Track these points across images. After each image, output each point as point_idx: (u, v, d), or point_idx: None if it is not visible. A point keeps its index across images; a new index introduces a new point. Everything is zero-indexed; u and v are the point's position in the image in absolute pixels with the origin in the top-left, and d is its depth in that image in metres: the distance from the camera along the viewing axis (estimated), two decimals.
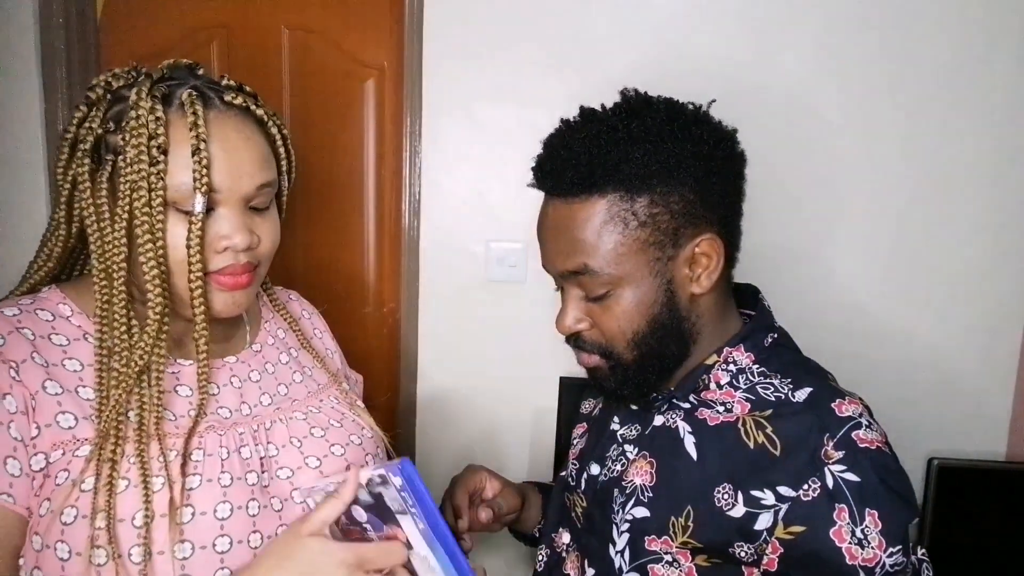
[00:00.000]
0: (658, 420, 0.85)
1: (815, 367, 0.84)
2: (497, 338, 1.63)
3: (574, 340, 0.85)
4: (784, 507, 0.73)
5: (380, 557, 0.72)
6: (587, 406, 1.06)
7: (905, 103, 1.50)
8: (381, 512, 0.73)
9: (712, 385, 0.82)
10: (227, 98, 0.76)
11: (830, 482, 0.71)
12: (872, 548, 0.70)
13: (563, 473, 1.01)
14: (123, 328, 0.73)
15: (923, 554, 0.80)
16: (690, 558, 0.79)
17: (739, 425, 0.78)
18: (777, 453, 0.75)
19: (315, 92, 1.65)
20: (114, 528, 0.67)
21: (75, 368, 0.73)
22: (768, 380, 0.81)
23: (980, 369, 1.58)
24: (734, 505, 0.75)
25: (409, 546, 0.73)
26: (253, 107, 0.78)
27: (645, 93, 0.82)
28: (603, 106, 0.82)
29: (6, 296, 0.81)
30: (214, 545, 0.72)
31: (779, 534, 0.73)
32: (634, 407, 0.88)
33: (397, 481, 0.70)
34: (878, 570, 0.70)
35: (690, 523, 0.78)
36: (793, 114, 1.51)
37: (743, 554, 0.75)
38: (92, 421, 0.71)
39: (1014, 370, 1.57)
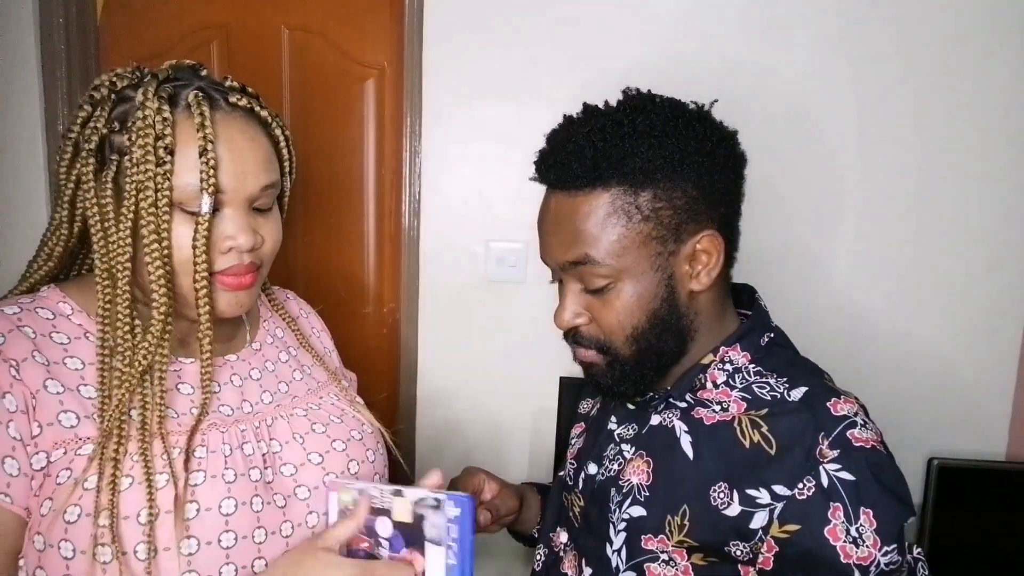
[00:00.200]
0: (655, 419, 0.85)
1: (811, 366, 0.85)
2: (497, 338, 1.63)
3: (571, 336, 0.85)
4: (779, 506, 0.73)
5: None
6: (585, 406, 1.06)
7: (904, 103, 1.50)
8: (411, 533, 0.73)
9: (708, 384, 0.82)
10: (232, 99, 0.76)
11: (825, 481, 0.72)
12: (867, 547, 0.70)
13: (561, 473, 1.02)
14: (126, 328, 0.73)
15: (919, 553, 0.80)
16: (686, 557, 0.79)
17: (735, 424, 0.79)
18: (772, 452, 0.75)
19: (315, 92, 1.65)
20: (118, 526, 0.68)
21: (76, 367, 0.74)
22: (764, 379, 0.81)
23: (980, 369, 1.58)
24: (730, 504, 0.75)
25: None
26: (257, 108, 0.78)
27: (648, 91, 0.83)
28: (606, 103, 0.82)
29: (5, 295, 0.81)
30: (219, 541, 0.72)
31: (774, 533, 0.73)
32: (631, 406, 0.89)
33: (453, 511, 0.70)
34: (873, 569, 0.70)
35: (686, 522, 0.78)
36: (792, 115, 1.51)
37: (739, 553, 0.76)
38: (94, 420, 0.72)
39: (1014, 370, 1.58)
